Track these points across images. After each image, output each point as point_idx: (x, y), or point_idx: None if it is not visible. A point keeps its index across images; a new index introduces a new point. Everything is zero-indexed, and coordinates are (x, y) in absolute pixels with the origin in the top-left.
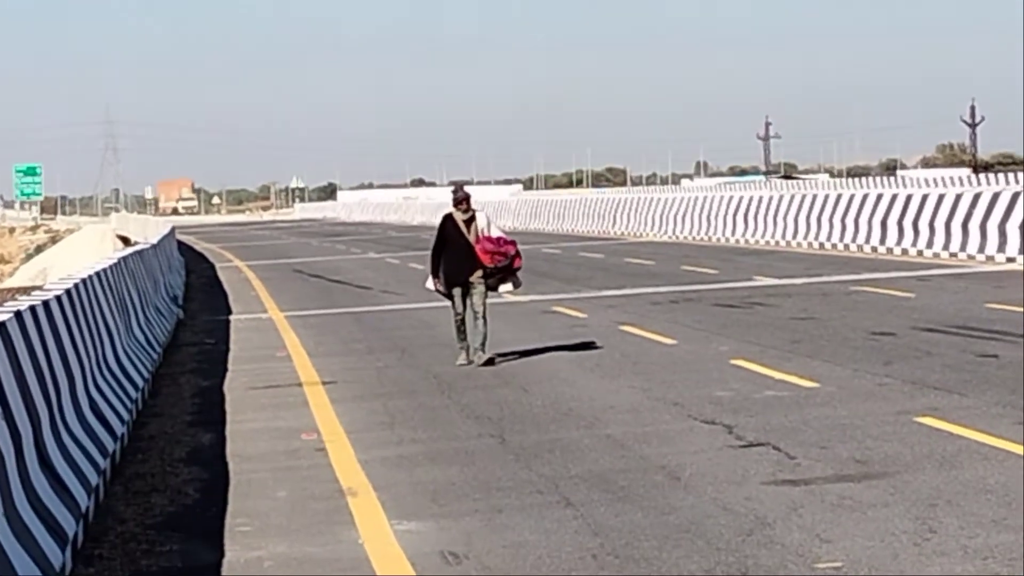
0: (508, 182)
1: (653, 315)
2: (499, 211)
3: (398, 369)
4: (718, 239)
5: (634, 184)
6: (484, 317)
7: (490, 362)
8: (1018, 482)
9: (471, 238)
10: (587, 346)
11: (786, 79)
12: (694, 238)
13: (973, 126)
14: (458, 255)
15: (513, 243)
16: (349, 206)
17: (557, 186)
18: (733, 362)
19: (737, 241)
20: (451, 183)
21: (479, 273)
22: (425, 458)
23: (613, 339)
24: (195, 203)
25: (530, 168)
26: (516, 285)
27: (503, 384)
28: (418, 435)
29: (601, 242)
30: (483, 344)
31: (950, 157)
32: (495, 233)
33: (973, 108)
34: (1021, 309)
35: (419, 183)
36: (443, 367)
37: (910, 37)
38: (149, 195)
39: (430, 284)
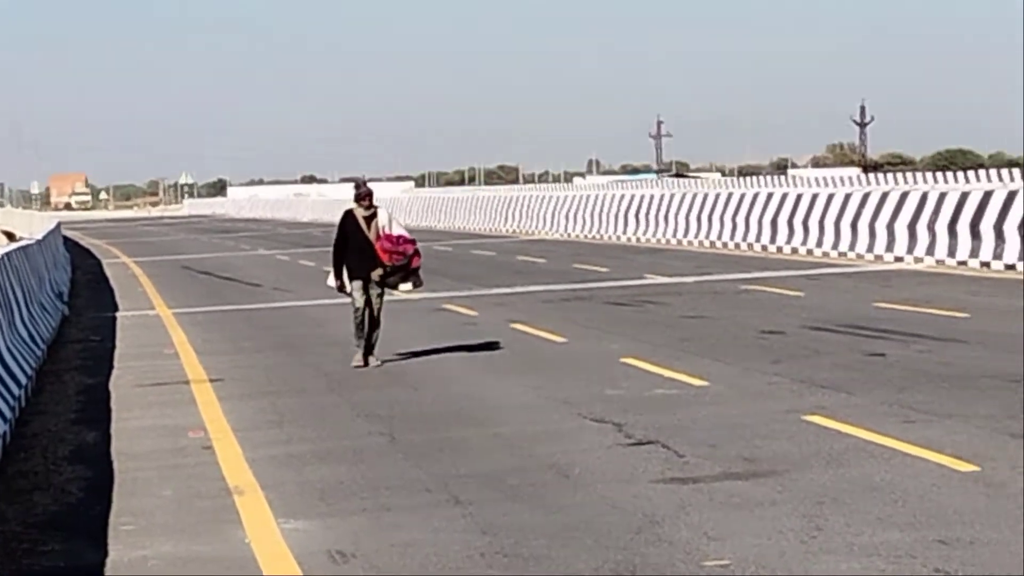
0: (400, 179)
1: (544, 313)
2: (390, 208)
3: (287, 367)
4: (609, 237)
5: (526, 182)
6: (378, 319)
7: (378, 365)
8: (902, 480)
9: (371, 235)
10: (478, 344)
11: (679, 78)
12: (586, 236)
13: (862, 126)
14: (359, 252)
15: (412, 242)
16: (239, 203)
17: (449, 183)
18: (623, 360)
19: (628, 239)
20: (343, 180)
21: (378, 271)
22: (314, 456)
23: (504, 337)
24: (89, 198)
25: (422, 165)
26: (417, 284)
27: (393, 383)
28: (307, 433)
29: (493, 240)
30: (372, 346)
31: (840, 157)
32: (396, 231)
33: (863, 108)
34: (908, 308)
35: (310, 180)
36: (333, 365)
37: (802, 37)
38: (36, 190)
39: (331, 282)
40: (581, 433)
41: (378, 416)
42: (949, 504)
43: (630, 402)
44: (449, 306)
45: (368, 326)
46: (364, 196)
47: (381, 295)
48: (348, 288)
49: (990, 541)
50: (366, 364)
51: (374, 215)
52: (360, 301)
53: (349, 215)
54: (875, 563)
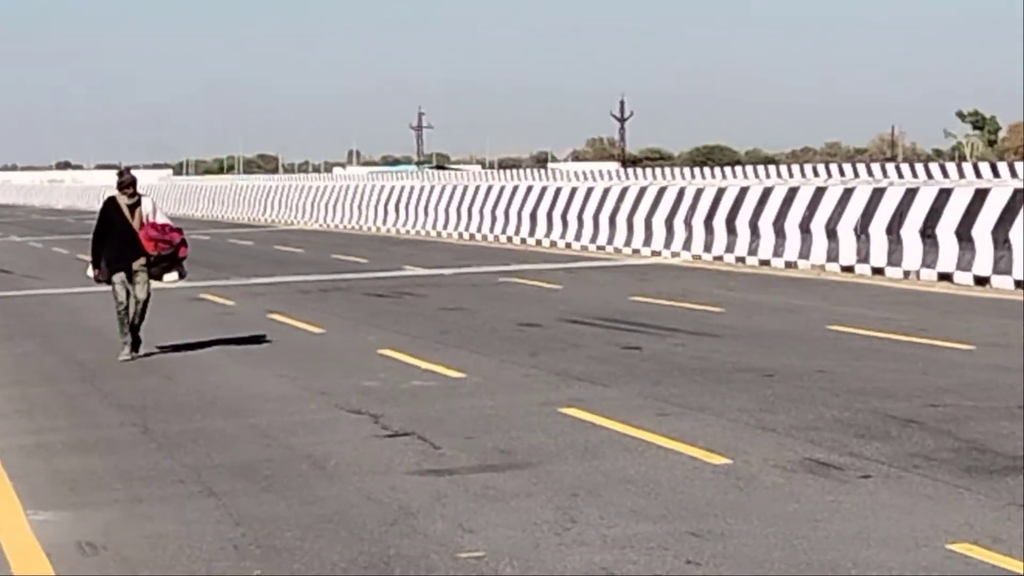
0: (158, 166)
1: (302, 304)
2: (153, 196)
3: (39, 356)
4: (369, 228)
5: (286, 171)
6: (144, 311)
7: (131, 360)
8: (656, 472)
9: (135, 224)
10: (235, 334)
11: (440, 70)
12: (345, 227)
13: (622, 121)
14: (121, 241)
15: (179, 231)
16: None
17: (208, 172)
18: (381, 352)
19: (388, 231)
20: (99, 166)
21: (142, 261)
22: (64, 447)
23: (261, 327)
24: None
25: (180, 153)
26: (182, 275)
27: (148, 372)
28: (58, 423)
29: (252, 229)
30: (139, 341)
31: (600, 151)
32: (161, 220)
33: (623, 103)
34: (664, 302)
35: (65, 166)
36: (86, 354)
37: (563, 33)
38: None
39: (91, 272)
40: (337, 424)
41: (131, 406)
42: (701, 496)
43: (387, 393)
44: (206, 296)
45: (134, 318)
46: (128, 184)
47: (148, 283)
48: (107, 279)
49: (741, 533)
50: (133, 355)
51: (138, 203)
52: (123, 294)
53: (111, 203)
54: (628, 555)
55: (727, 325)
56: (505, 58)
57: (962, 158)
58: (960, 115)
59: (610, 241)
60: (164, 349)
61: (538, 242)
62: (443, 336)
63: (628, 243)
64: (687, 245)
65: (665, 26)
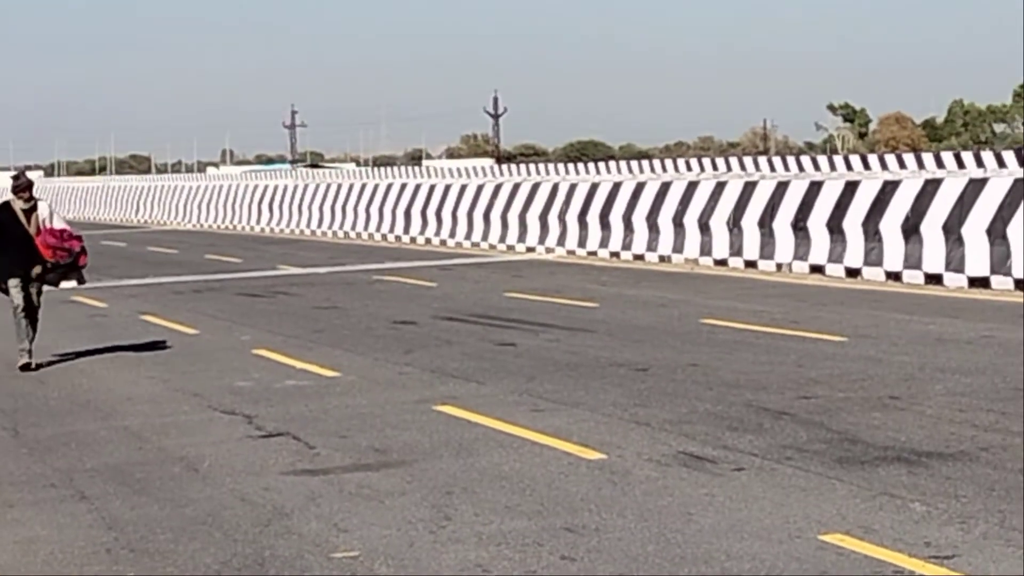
0: (29, 168)
1: (175, 304)
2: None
3: None
4: (243, 228)
5: (159, 171)
6: (37, 318)
7: (28, 367)
8: (530, 468)
9: (31, 229)
10: (107, 336)
11: (313, 67)
12: (219, 227)
13: (496, 117)
14: (17, 247)
15: (79, 238)
16: None
17: (80, 173)
18: (255, 352)
19: (262, 230)
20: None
21: (39, 269)
22: None
23: (134, 329)
24: None
25: (51, 154)
26: (81, 281)
27: (17, 376)
28: None
29: (124, 230)
30: (30, 345)
31: (474, 147)
32: (58, 225)
33: (496, 99)
34: (538, 298)
35: None
36: None
37: (436, 26)
38: None
39: None
40: (211, 425)
41: (0, 410)
42: (576, 492)
43: (261, 393)
44: (77, 297)
45: (27, 322)
46: (23, 188)
47: (40, 292)
48: (4, 286)
49: (616, 527)
50: (33, 367)
51: (34, 208)
52: (20, 299)
53: (6, 208)
54: (503, 551)
55: (601, 320)
56: (377, 55)
57: (833, 151)
58: (831, 108)
59: (484, 238)
60: (63, 356)
61: (412, 240)
62: (317, 335)
63: (502, 239)
64: (561, 241)
65: (538, 22)
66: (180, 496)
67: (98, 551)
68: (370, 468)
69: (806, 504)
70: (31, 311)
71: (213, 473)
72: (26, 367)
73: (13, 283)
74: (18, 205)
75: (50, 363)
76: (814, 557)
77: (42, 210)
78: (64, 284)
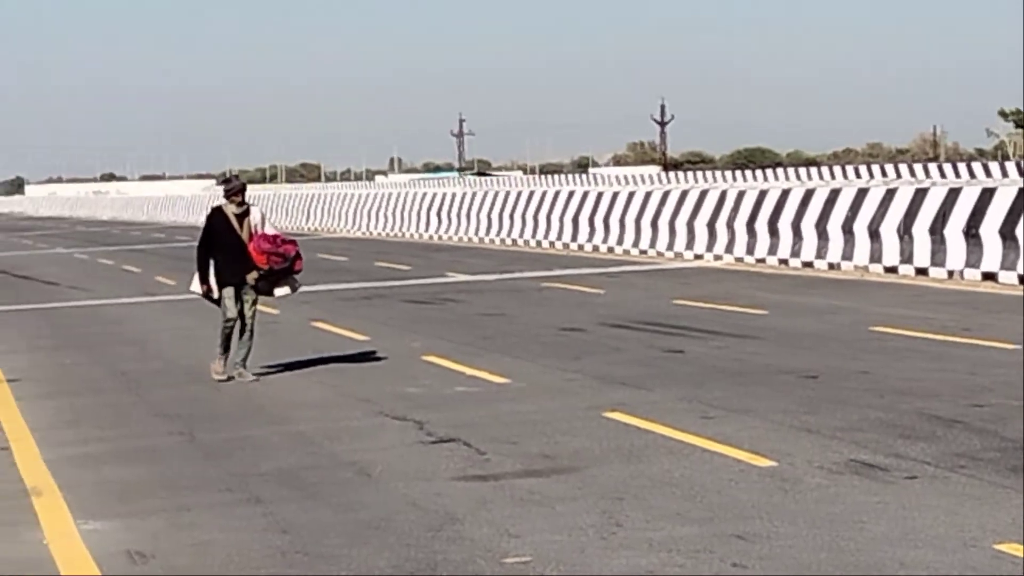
0: (201, 177)
1: (345, 311)
2: (192, 205)
3: (85, 366)
4: (411, 235)
5: (328, 180)
6: (252, 329)
7: (254, 380)
8: (700, 475)
9: (244, 235)
10: (280, 343)
11: (480, 76)
12: (387, 234)
13: (663, 124)
14: (230, 254)
15: (294, 243)
16: (37, 201)
17: (251, 181)
18: (425, 358)
19: (431, 237)
20: (143, 177)
21: (253, 275)
22: (112, 457)
23: (305, 336)
24: None
25: (222, 164)
26: (294, 288)
27: (193, 381)
28: (105, 433)
29: (296, 238)
30: (245, 360)
31: (641, 155)
32: (270, 231)
33: (663, 107)
34: (706, 305)
35: (109, 177)
36: (131, 364)
37: (602, 35)
38: None
39: (196, 287)
40: (381, 431)
41: (177, 415)
42: (746, 499)
43: (431, 400)
44: None
45: (241, 336)
46: (236, 191)
47: (255, 301)
48: (216, 294)
49: (786, 535)
50: (230, 378)
51: (247, 212)
52: (233, 311)
53: (218, 212)
54: (673, 558)
55: (769, 327)
56: (545, 63)
57: (1005, 157)
58: (1003, 113)
59: (652, 245)
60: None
61: (580, 247)
62: (486, 342)
63: (670, 247)
64: (729, 248)
65: (706, 27)
66: (352, 500)
67: (272, 554)
68: (540, 474)
69: (980, 513)
70: (242, 323)
71: (384, 478)
72: (224, 379)
73: (227, 293)
74: (231, 210)
75: (253, 379)
76: (989, 566)
77: (254, 215)
78: (277, 292)
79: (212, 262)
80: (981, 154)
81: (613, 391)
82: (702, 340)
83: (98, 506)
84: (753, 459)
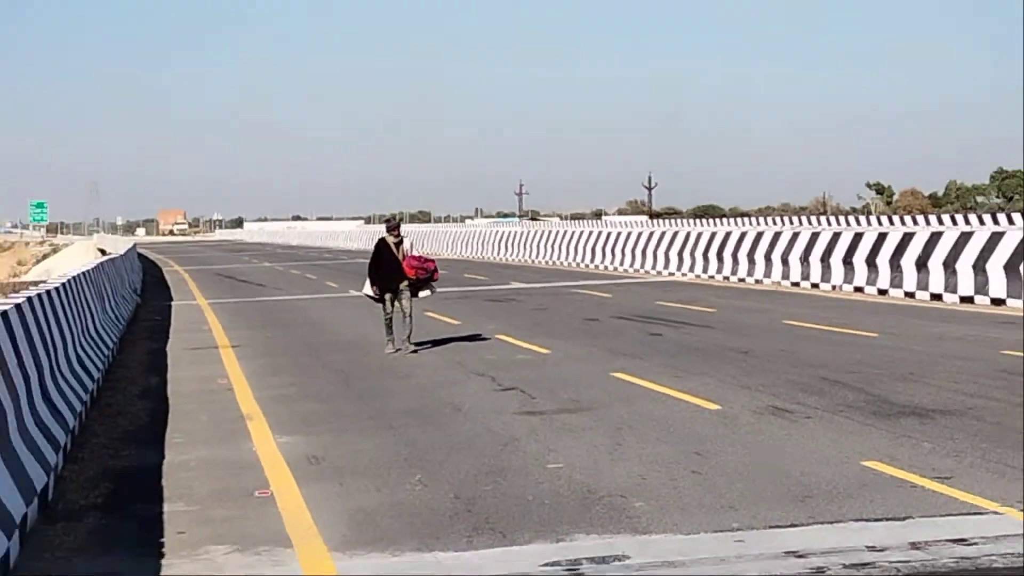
0: (354, 219)
1: (446, 306)
2: (350, 237)
3: (282, 339)
4: (487, 258)
5: (436, 222)
6: (411, 316)
7: (414, 351)
8: (672, 414)
9: (399, 256)
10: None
11: (534, 158)
12: (472, 257)
13: (650, 189)
14: (389, 269)
15: (433, 261)
16: (252, 232)
17: (384, 221)
18: (497, 336)
19: (501, 260)
20: (319, 218)
21: (405, 283)
22: (298, 396)
23: (421, 321)
24: (186, 226)
25: (368, 209)
26: (432, 291)
27: (350, 349)
28: (294, 380)
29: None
30: (409, 337)
31: (635, 208)
32: (416, 253)
33: (650, 178)
34: (678, 305)
35: (296, 218)
36: (311, 337)
37: (615, 135)
38: (120, 222)
39: (368, 290)
40: (469, 382)
41: (340, 371)
42: (701, 429)
43: (501, 363)
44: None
45: (403, 323)
46: (394, 228)
47: (411, 298)
48: (376, 295)
49: (727, 453)
50: (398, 351)
51: (400, 242)
52: (390, 308)
53: (383, 242)
54: (654, 468)
55: (718, 320)
56: (571, 145)
57: (869, 214)
58: (868, 185)
59: (643, 266)
60: (421, 345)
61: (596, 267)
62: (536, 327)
63: (654, 267)
64: (692, 268)
65: (679, 130)
66: (450, 427)
67: (399, 460)
68: (570, 412)
69: (852, 441)
70: (406, 318)
71: (471, 413)
72: (393, 352)
73: (387, 297)
74: (390, 239)
75: (414, 351)
76: (858, 476)
77: (405, 243)
78: (421, 293)
79: (378, 275)
80: (854, 211)
81: (617, 360)
82: (675, 328)
83: (289, 427)
84: (707, 404)
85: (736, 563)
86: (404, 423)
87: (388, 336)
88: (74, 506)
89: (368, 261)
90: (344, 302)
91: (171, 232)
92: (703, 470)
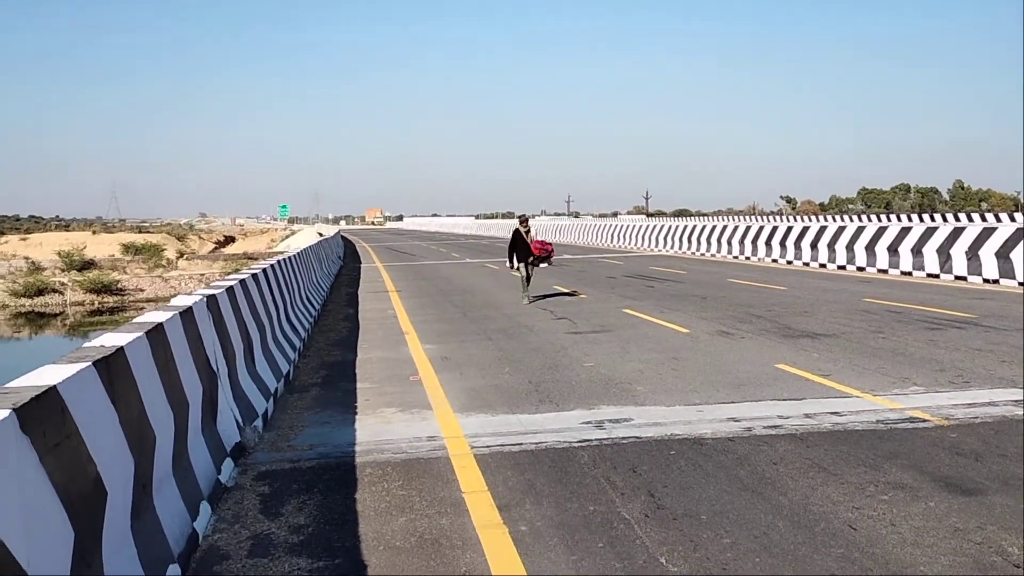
0: (468, 215)
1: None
2: (469, 227)
3: (425, 287)
4: (551, 240)
5: (572, 216)
6: (530, 279)
7: (532, 302)
8: (659, 334)
9: (529, 240)
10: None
11: (573, 175)
12: (625, 248)
13: (647, 198)
14: (522, 249)
15: (550, 244)
16: (407, 223)
17: (491, 217)
18: (554, 286)
19: (556, 241)
20: (449, 215)
21: (531, 258)
22: (435, 320)
23: (542, 288)
24: (383, 220)
25: (484, 208)
26: (550, 264)
27: (466, 293)
28: (432, 313)
29: (578, 250)
30: (528, 293)
31: (638, 210)
32: (540, 239)
33: (647, 191)
34: (663, 268)
35: (434, 215)
36: (443, 286)
37: (610, 150)
38: (330, 216)
39: (508, 264)
40: (537, 313)
41: (459, 306)
42: (677, 343)
43: (556, 303)
44: (557, 287)
45: (527, 283)
46: (524, 221)
47: (534, 267)
48: (515, 267)
49: (693, 358)
50: (530, 302)
51: (528, 231)
52: (523, 272)
53: (517, 231)
54: (648, 366)
55: (687, 279)
56: (599, 165)
57: (781, 215)
58: (781, 196)
59: (641, 245)
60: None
61: (613, 246)
62: (577, 281)
63: (648, 245)
64: (672, 247)
65: (681, 136)
66: (526, 339)
67: (495, 359)
68: (598, 332)
69: (769, 352)
70: (528, 279)
71: (538, 331)
72: (528, 303)
73: (520, 267)
74: (522, 230)
75: (531, 301)
76: (772, 373)
77: (533, 231)
78: (541, 265)
79: (514, 254)
80: (772, 213)
81: (625, 302)
82: (661, 282)
83: (429, 339)
84: (680, 329)
85: (697, 424)
86: (498, 337)
87: (523, 292)
88: (304, 383)
89: (507, 244)
90: (463, 265)
91: (372, 223)
92: (678, 368)
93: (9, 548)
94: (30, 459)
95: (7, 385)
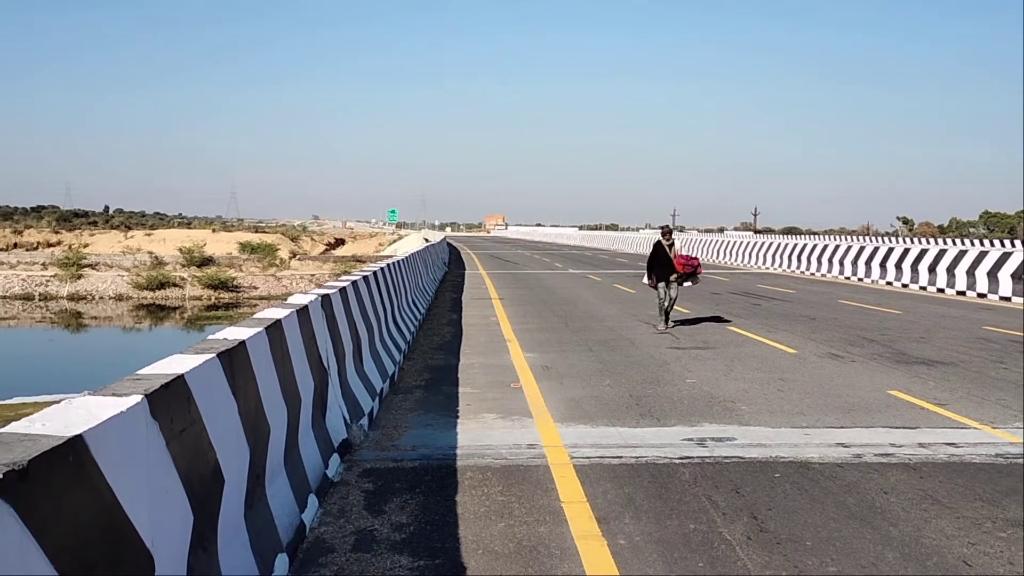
0: (572, 226)
1: (626, 279)
2: (579, 238)
3: (527, 295)
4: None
5: (621, 231)
6: (674, 300)
7: (672, 327)
8: (765, 354)
9: (671, 255)
10: (635, 304)
11: (677, 193)
12: (731, 265)
13: (755, 215)
14: (663, 265)
15: (696, 259)
16: (512, 231)
17: (583, 229)
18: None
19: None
20: (551, 224)
21: (674, 276)
22: (537, 329)
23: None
24: (502, 225)
25: (579, 219)
26: (695, 283)
27: (568, 303)
28: (535, 321)
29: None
30: (669, 315)
31: (747, 227)
32: (684, 253)
33: (755, 208)
34: (770, 287)
35: (538, 224)
36: (545, 295)
37: (713, 162)
38: (436, 222)
39: (646, 280)
40: (638, 327)
41: (560, 316)
42: (784, 364)
43: (659, 317)
44: (617, 286)
45: (668, 306)
46: (667, 233)
47: (677, 287)
48: (654, 284)
49: (800, 379)
50: (667, 328)
51: (672, 244)
52: (663, 293)
53: (658, 244)
54: (753, 385)
55: (796, 298)
56: (708, 183)
57: (897, 236)
58: (898, 217)
59: (747, 262)
60: (677, 322)
61: (719, 261)
62: (681, 297)
63: (757, 262)
64: (781, 265)
65: (792, 152)
66: (628, 352)
67: (598, 369)
68: (701, 348)
69: (882, 378)
70: (672, 302)
71: (641, 345)
72: (664, 331)
73: (661, 286)
74: (664, 242)
75: (674, 326)
76: (885, 399)
77: (676, 245)
78: (686, 284)
79: (655, 270)
80: (887, 234)
81: (730, 318)
82: (768, 300)
83: (531, 347)
84: (788, 349)
85: (804, 448)
86: (599, 348)
87: (661, 315)
88: (408, 385)
89: (629, 257)
90: (566, 276)
91: (488, 230)
92: (784, 389)
93: (136, 528)
94: (158, 443)
95: (137, 372)
